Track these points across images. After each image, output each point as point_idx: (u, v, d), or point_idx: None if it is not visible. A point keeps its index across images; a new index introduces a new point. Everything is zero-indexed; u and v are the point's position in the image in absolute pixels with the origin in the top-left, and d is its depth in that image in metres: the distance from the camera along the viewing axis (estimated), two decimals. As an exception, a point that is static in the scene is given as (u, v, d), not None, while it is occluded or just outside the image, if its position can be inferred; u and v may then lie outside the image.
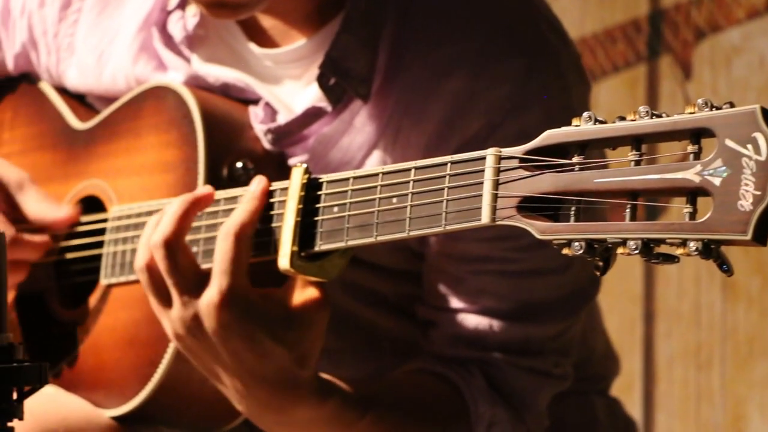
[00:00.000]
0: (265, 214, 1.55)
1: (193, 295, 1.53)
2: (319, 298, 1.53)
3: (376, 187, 1.46)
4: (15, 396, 1.32)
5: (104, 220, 1.78)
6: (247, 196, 1.55)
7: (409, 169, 1.43)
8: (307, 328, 1.52)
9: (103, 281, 1.75)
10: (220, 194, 1.61)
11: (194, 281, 1.53)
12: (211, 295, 1.51)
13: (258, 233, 1.55)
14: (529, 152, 1.33)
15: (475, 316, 1.70)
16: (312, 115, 1.69)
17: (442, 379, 1.71)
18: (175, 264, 1.53)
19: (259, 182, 1.57)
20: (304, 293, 1.53)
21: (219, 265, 1.51)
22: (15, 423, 1.32)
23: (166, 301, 1.55)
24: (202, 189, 1.59)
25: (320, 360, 1.73)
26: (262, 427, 1.62)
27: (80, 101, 1.92)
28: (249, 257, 1.52)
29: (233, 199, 1.59)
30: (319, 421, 1.58)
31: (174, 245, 1.53)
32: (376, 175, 1.46)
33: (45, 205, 1.81)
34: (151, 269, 1.56)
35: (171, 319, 1.55)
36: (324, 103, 1.68)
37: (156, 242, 1.54)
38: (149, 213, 1.68)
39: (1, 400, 1.31)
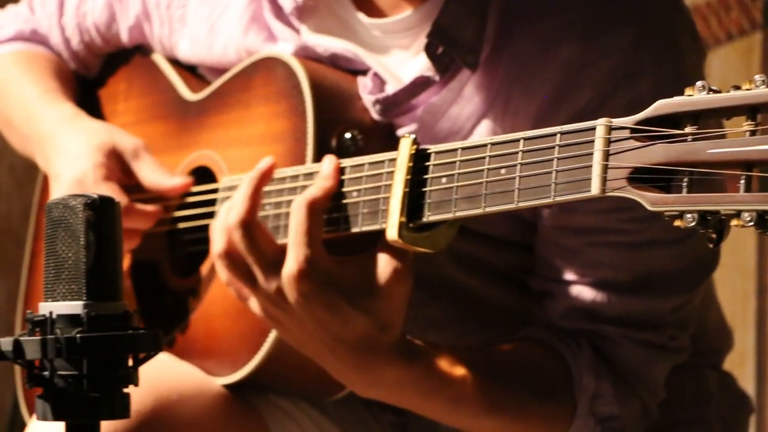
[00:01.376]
0: (373, 185, 1.55)
1: (274, 270, 1.55)
2: (400, 269, 1.53)
3: (484, 157, 1.45)
4: (130, 363, 1.35)
5: (215, 191, 1.80)
6: (320, 174, 1.57)
7: (518, 140, 1.42)
8: (386, 298, 1.53)
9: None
10: (299, 170, 1.62)
11: (273, 256, 1.55)
12: (289, 267, 1.53)
13: (366, 204, 1.55)
14: (640, 122, 1.31)
15: (591, 289, 1.69)
16: (420, 84, 1.68)
17: (548, 349, 1.70)
18: (254, 241, 1.56)
19: (330, 161, 1.58)
20: (385, 264, 1.53)
21: (293, 237, 1.53)
22: (130, 389, 1.35)
23: (250, 282, 1.58)
24: (263, 162, 1.60)
25: (427, 329, 1.74)
26: (357, 391, 1.63)
27: (192, 72, 1.94)
28: (321, 229, 1.54)
29: (311, 175, 1.60)
30: (408, 382, 1.58)
31: (250, 224, 1.56)
32: (485, 145, 1.46)
33: (159, 172, 1.84)
34: (230, 254, 1.58)
35: (257, 297, 1.57)
36: (432, 73, 1.68)
37: (233, 224, 1.56)
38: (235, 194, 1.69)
39: (117, 366, 1.34)
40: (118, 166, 1.85)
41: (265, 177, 1.59)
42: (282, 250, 1.55)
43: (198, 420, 1.72)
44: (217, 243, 1.59)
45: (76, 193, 1.36)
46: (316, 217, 1.53)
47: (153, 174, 1.84)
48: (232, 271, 1.58)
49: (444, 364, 1.60)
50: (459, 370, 1.61)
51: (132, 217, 1.82)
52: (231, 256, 1.58)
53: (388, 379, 1.57)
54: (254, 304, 1.59)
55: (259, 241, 1.56)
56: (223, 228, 1.59)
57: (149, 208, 1.84)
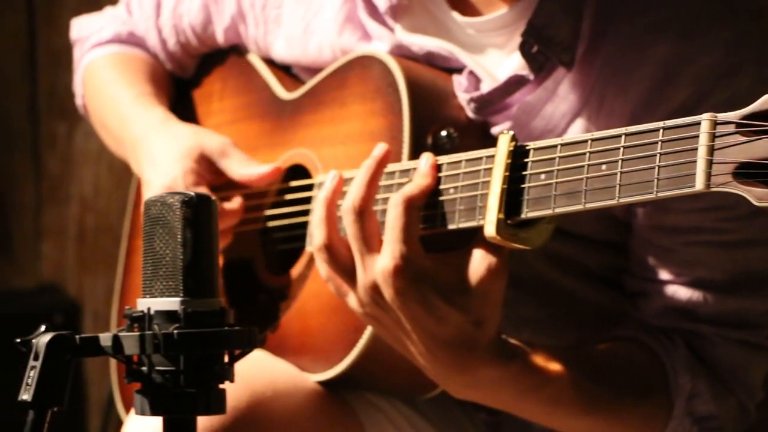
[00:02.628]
0: (471, 181, 1.55)
1: (373, 264, 1.55)
2: (496, 266, 1.52)
3: (584, 154, 1.44)
4: (226, 359, 1.36)
5: (310, 188, 1.80)
6: (418, 172, 1.56)
7: (619, 136, 1.41)
8: (482, 295, 1.52)
9: (309, 248, 1.78)
10: (395, 167, 1.62)
11: (376, 248, 1.55)
12: (384, 262, 1.53)
13: (463, 201, 1.55)
14: (746, 117, 1.29)
15: (686, 288, 1.67)
16: (514, 83, 1.68)
17: (643, 348, 1.69)
18: (363, 229, 1.55)
19: (427, 159, 1.57)
20: (480, 261, 1.53)
21: (390, 234, 1.53)
22: (226, 385, 1.36)
23: (349, 275, 1.58)
24: (378, 150, 1.59)
25: (520, 328, 1.72)
26: (451, 392, 1.63)
27: (286, 72, 1.95)
28: (418, 226, 1.53)
29: (406, 173, 1.60)
30: (503, 382, 1.58)
31: (364, 210, 1.56)
32: (585, 141, 1.44)
33: (247, 164, 1.85)
34: (330, 247, 1.58)
35: (355, 290, 1.57)
36: (526, 72, 1.67)
37: (347, 208, 1.56)
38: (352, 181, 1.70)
39: (213, 362, 1.35)
40: (207, 168, 1.86)
41: (382, 163, 1.59)
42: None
43: (292, 417, 1.73)
44: (317, 236, 1.59)
45: (173, 192, 1.38)
46: (413, 214, 1.53)
47: (242, 168, 1.85)
48: (332, 265, 1.58)
49: (540, 362, 1.59)
50: (555, 369, 1.60)
51: (221, 216, 1.83)
52: (331, 250, 1.58)
53: (484, 379, 1.56)
54: (352, 300, 1.59)
55: (367, 231, 1.55)
56: (322, 220, 1.59)
57: (234, 204, 1.85)
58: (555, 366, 1.60)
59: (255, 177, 1.84)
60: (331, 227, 1.59)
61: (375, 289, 1.54)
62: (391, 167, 1.64)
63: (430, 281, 1.52)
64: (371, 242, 1.55)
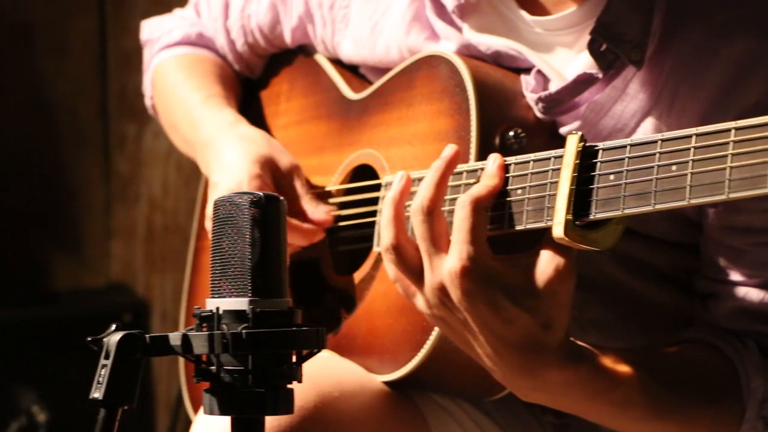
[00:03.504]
0: (539, 182, 1.54)
1: (441, 265, 1.54)
2: (563, 268, 1.51)
3: (654, 154, 1.43)
4: (294, 359, 1.36)
5: (377, 189, 1.80)
6: (485, 173, 1.55)
7: (689, 136, 1.40)
8: (550, 296, 1.51)
9: (376, 248, 1.78)
10: (463, 167, 1.62)
11: (444, 249, 1.54)
12: (452, 263, 1.52)
13: (531, 202, 1.54)
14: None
15: (759, 290, 1.65)
16: (583, 82, 1.67)
17: (714, 351, 1.67)
18: (432, 230, 1.54)
19: (495, 159, 1.56)
20: (548, 262, 1.51)
21: (457, 234, 1.52)
22: (293, 385, 1.36)
23: (417, 276, 1.57)
24: (447, 151, 1.58)
25: (587, 330, 1.71)
26: (519, 394, 1.61)
27: (354, 72, 1.96)
28: (486, 227, 1.52)
29: (474, 173, 1.59)
30: (573, 385, 1.56)
31: (432, 211, 1.55)
32: (655, 142, 1.43)
33: (304, 200, 1.86)
34: (398, 247, 1.57)
35: (423, 291, 1.56)
36: (595, 70, 1.66)
37: (416, 208, 1.55)
38: (421, 181, 1.69)
39: (281, 362, 1.35)
40: (271, 179, 1.87)
41: (451, 164, 1.58)
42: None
43: (359, 417, 1.73)
44: (385, 236, 1.59)
45: (242, 192, 1.38)
46: (481, 215, 1.52)
47: (300, 199, 1.86)
48: (399, 265, 1.58)
49: (610, 365, 1.58)
50: (625, 372, 1.58)
51: (290, 231, 1.84)
52: (399, 250, 1.57)
53: (553, 382, 1.55)
54: (420, 301, 1.59)
55: (436, 231, 1.54)
56: (390, 221, 1.59)
57: (306, 226, 1.86)
58: (624, 369, 1.58)
59: (308, 214, 1.85)
60: (399, 228, 1.58)
61: (442, 290, 1.54)
62: (458, 167, 1.63)
63: (497, 283, 1.51)
64: (439, 243, 1.55)
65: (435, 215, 1.55)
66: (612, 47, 1.64)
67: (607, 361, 1.58)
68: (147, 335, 1.35)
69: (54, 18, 3.53)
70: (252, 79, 2.11)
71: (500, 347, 1.53)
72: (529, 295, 1.51)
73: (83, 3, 3.55)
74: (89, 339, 1.35)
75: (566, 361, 1.54)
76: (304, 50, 2.02)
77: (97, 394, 1.33)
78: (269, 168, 1.86)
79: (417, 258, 1.57)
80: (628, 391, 1.58)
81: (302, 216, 1.87)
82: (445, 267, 1.53)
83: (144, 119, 3.54)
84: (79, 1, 3.55)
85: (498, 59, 1.74)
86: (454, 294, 1.52)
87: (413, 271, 1.57)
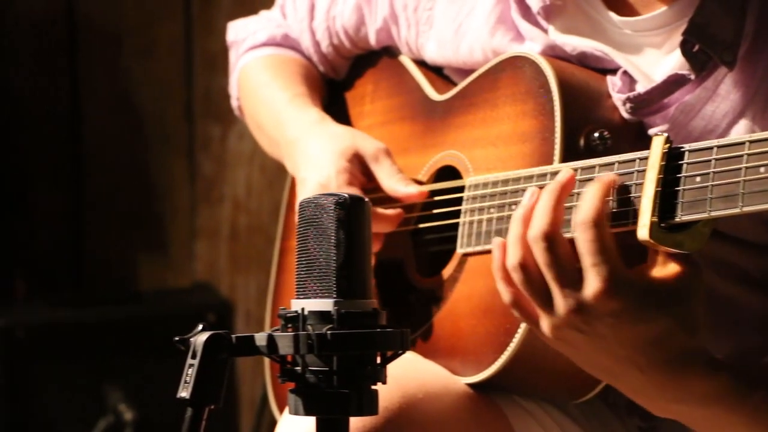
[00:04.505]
0: (623, 184, 1.53)
1: (573, 288, 1.49)
2: (691, 265, 1.49)
3: (742, 156, 1.41)
4: (378, 360, 1.36)
5: (461, 190, 1.80)
6: (591, 190, 1.50)
7: None
8: (689, 297, 1.48)
9: (459, 250, 1.78)
10: (547, 169, 1.61)
11: (573, 273, 1.49)
12: (594, 286, 1.47)
13: (616, 204, 1.53)
14: None
15: None
16: (673, 83, 1.65)
17: None
18: (556, 256, 1.50)
19: (565, 172, 1.53)
20: (676, 263, 1.49)
21: (590, 258, 1.47)
22: (378, 386, 1.36)
23: (545, 298, 1.52)
24: (563, 175, 1.55)
25: None
26: (655, 409, 1.57)
27: (438, 73, 1.96)
28: (613, 240, 1.49)
29: (543, 177, 1.58)
30: (712, 395, 1.53)
31: (553, 237, 1.50)
32: (743, 143, 1.41)
33: (396, 178, 1.85)
34: (526, 266, 1.53)
35: (551, 315, 1.52)
36: (687, 71, 1.64)
37: (535, 236, 1.51)
38: (506, 183, 1.69)
39: (366, 363, 1.36)
40: (360, 169, 1.88)
41: (566, 188, 1.53)
42: (580, 267, 1.49)
43: (444, 418, 1.73)
44: (512, 255, 1.53)
45: (327, 193, 1.39)
46: (605, 230, 1.47)
47: (390, 180, 1.86)
48: (526, 285, 1.52)
49: (743, 375, 1.54)
50: (757, 382, 1.54)
51: (374, 220, 1.84)
52: (527, 270, 1.52)
53: (695, 393, 1.52)
54: (544, 324, 1.53)
55: (561, 257, 1.50)
56: (518, 238, 1.53)
57: (390, 212, 1.86)
58: (755, 378, 1.54)
59: (399, 194, 1.85)
60: (527, 248, 1.53)
61: (578, 313, 1.49)
62: (539, 170, 1.63)
63: (642, 297, 1.47)
64: (567, 267, 1.50)
65: (556, 241, 1.50)
66: (705, 48, 1.62)
67: (740, 369, 1.54)
68: (233, 335, 1.36)
69: (141, 22, 3.57)
70: (336, 80, 2.12)
71: (648, 363, 1.50)
72: (673, 302, 1.48)
73: (170, 7, 3.59)
74: (176, 339, 1.36)
75: (708, 370, 1.51)
76: (388, 51, 2.02)
77: (184, 393, 1.34)
78: (356, 159, 1.87)
79: (543, 281, 1.52)
80: (761, 400, 1.54)
81: (390, 204, 1.87)
82: (587, 291, 1.48)
83: (229, 121, 3.57)
84: (165, 6, 3.59)
85: (583, 60, 1.73)
86: (598, 317, 1.48)
87: (540, 293, 1.52)
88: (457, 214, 1.79)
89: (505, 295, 1.56)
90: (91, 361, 3.19)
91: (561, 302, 1.50)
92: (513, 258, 1.53)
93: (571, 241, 1.51)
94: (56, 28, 3.54)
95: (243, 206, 3.67)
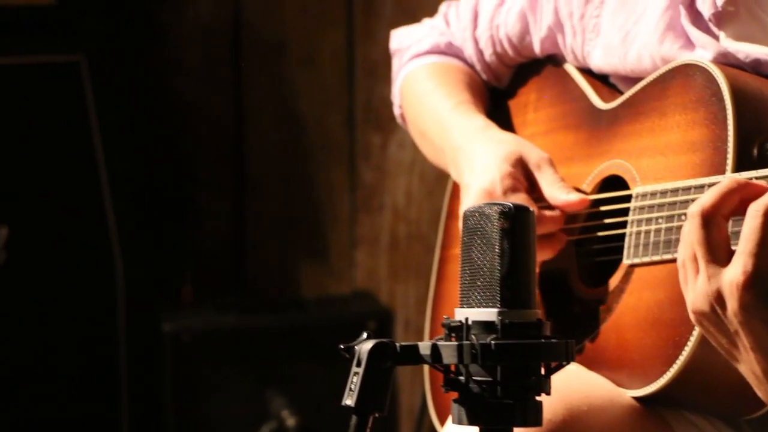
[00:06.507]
0: None
1: (718, 271, 1.48)
2: None
3: None
4: (543, 371, 1.35)
5: (627, 200, 1.77)
6: None
7: None
8: None
9: (626, 261, 1.75)
10: (716, 179, 1.57)
11: (723, 258, 1.48)
12: (734, 274, 1.46)
13: None
14: None
15: None
16: None
17: None
18: (707, 236, 1.48)
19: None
20: None
21: (745, 245, 1.45)
22: (542, 397, 1.35)
23: (693, 271, 1.51)
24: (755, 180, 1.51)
25: None
26: None
27: (603, 81, 1.93)
28: None
29: (701, 188, 1.55)
30: None
31: (709, 217, 1.49)
32: None
33: (557, 187, 1.84)
34: (708, 219, 1.50)
35: (694, 291, 1.51)
36: None
37: (692, 211, 1.50)
38: (675, 193, 1.66)
39: (530, 374, 1.34)
40: (524, 176, 1.86)
41: (743, 189, 1.50)
42: (730, 255, 1.48)
43: (608, 432, 1.71)
44: (706, 198, 1.50)
45: (492, 202, 1.38)
46: None
47: (551, 187, 1.84)
48: (685, 254, 1.51)
49: None
50: None
51: (541, 222, 1.83)
52: (708, 222, 1.49)
53: None
54: (688, 298, 1.52)
55: (712, 237, 1.49)
56: (723, 192, 1.50)
57: (553, 212, 1.84)
58: None
59: (560, 202, 1.83)
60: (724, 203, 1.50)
61: (717, 300, 1.48)
62: (710, 179, 1.59)
63: None
64: (718, 251, 1.48)
65: (713, 223, 1.49)
66: None
67: None
68: (397, 344, 1.36)
69: (304, 32, 3.61)
70: (499, 88, 2.11)
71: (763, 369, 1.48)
72: None
73: (333, 16, 3.63)
74: (341, 346, 1.37)
75: None
76: (552, 60, 2.01)
77: (349, 401, 1.34)
78: (521, 165, 1.86)
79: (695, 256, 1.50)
80: None
81: (553, 210, 1.85)
82: (726, 277, 1.46)
83: (389, 129, 3.59)
84: (328, 15, 3.63)
85: (758, 68, 1.69)
86: (730, 305, 1.46)
87: (693, 265, 1.51)
88: (623, 225, 1.76)
89: (682, 250, 1.53)
90: (255, 367, 3.24)
91: (704, 281, 1.49)
92: (704, 201, 1.50)
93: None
94: (221, 38, 3.61)
95: (402, 215, 3.68)
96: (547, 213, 1.84)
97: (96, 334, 3.25)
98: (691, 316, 1.53)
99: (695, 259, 1.51)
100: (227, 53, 3.61)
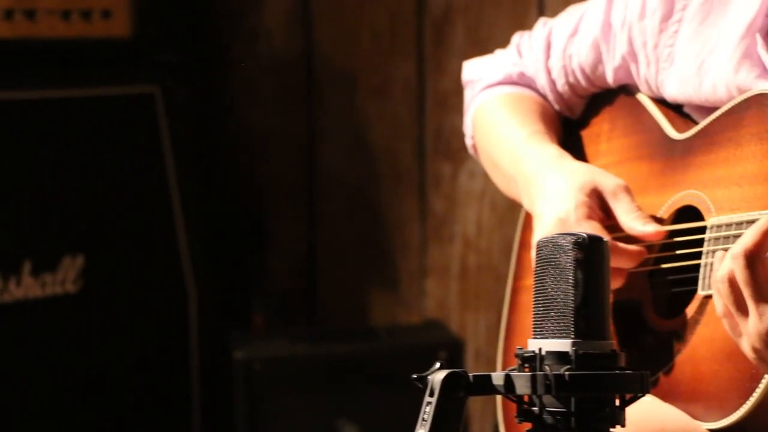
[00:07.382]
0: None
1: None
2: None
3: None
4: (617, 403, 1.34)
5: (702, 231, 1.76)
6: None
7: None
8: None
9: (701, 292, 1.74)
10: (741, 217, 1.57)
11: None
12: None
13: None
14: None
15: None
16: None
17: None
18: (753, 275, 1.50)
19: None
20: None
21: None
22: (617, 429, 1.34)
23: (743, 315, 1.53)
24: None
25: None
26: None
27: (677, 111, 1.92)
28: None
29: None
30: None
31: (753, 256, 1.50)
32: None
33: (633, 216, 1.83)
34: (731, 280, 1.54)
35: (748, 332, 1.52)
36: None
37: (736, 252, 1.52)
38: (750, 224, 1.64)
39: (605, 405, 1.34)
40: (599, 205, 1.86)
41: None
42: None
43: (683, 465, 1.69)
44: (723, 267, 1.56)
45: (565, 232, 1.38)
46: None
47: (628, 216, 1.83)
48: (729, 298, 1.54)
49: None
50: None
51: (615, 255, 1.81)
52: (731, 283, 1.55)
53: None
54: (745, 343, 1.54)
55: (759, 276, 1.51)
56: (730, 255, 1.56)
57: (632, 247, 1.83)
58: None
59: (636, 232, 1.82)
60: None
61: None
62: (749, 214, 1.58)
63: None
64: (764, 288, 1.50)
65: (757, 260, 1.50)
66: None
67: None
68: (470, 374, 1.36)
69: (376, 62, 3.63)
70: (572, 118, 2.10)
71: None
72: None
73: (403, 47, 3.64)
74: (414, 376, 1.37)
75: None
76: (625, 89, 2.00)
77: (422, 430, 1.35)
78: (595, 195, 1.85)
79: (743, 298, 1.53)
80: None
81: (629, 239, 1.84)
82: None
83: (459, 159, 3.59)
84: (399, 45, 3.64)
85: (835, 97, 1.68)
86: None
87: (741, 308, 1.53)
88: (698, 255, 1.75)
89: (717, 305, 1.57)
90: (326, 396, 3.24)
91: (756, 323, 1.50)
92: (722, 270, 1.55)
93: None
94: (294, 69, 3.63)
95: (473, 245, 3.67)
96: (629, 248, 1.83)
97: (168, 361, 3.28)
98: (750, 356, 1.52)
99: (740, 303, 1.51)
100: (300, 84, 3.64)
